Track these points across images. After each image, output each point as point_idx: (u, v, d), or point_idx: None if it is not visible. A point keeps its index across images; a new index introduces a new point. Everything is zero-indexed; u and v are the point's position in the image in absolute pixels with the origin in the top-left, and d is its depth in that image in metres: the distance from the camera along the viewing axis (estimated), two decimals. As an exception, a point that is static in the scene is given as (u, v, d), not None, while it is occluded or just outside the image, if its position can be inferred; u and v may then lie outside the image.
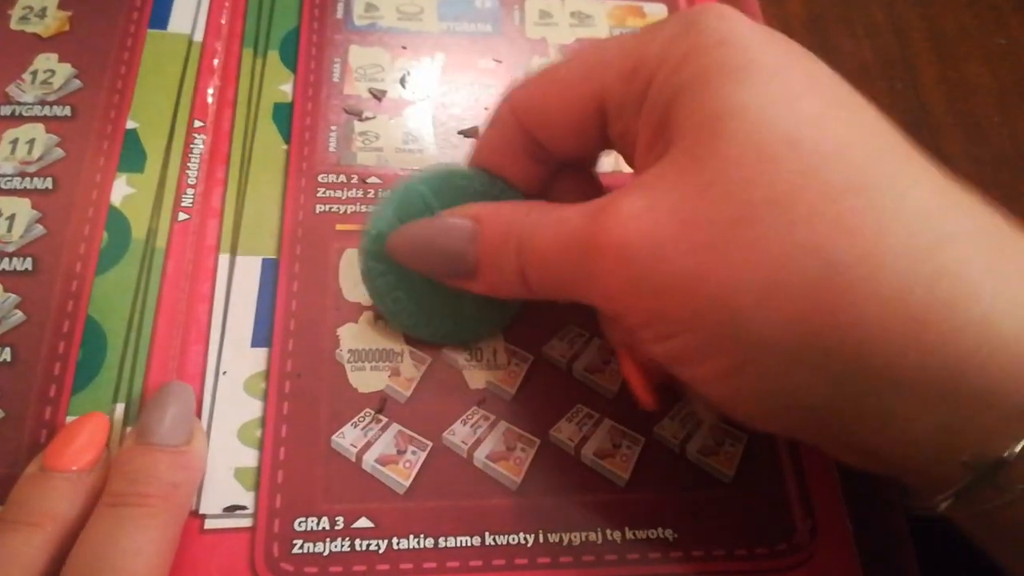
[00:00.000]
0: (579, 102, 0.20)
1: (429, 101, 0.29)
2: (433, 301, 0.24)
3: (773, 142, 0.16)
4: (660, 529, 0.22)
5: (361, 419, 0.23)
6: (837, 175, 0.15)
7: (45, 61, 0.28)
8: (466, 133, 0.28)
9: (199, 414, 0.23)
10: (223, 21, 0.30)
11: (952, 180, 0.16)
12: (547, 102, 0.21)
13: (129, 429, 0.22)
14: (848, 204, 0.15)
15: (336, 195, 0.27)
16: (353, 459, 0.23)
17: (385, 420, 0.23)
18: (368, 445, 0.23)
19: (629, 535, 0.22)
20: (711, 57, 0.17)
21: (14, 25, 0.29)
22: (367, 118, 0.28)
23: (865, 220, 0.15)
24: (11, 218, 0.25)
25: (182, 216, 0.26)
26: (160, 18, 0.29)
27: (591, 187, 0.24)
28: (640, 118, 0.19)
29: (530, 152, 0.22)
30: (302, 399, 0.23)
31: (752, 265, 0.16)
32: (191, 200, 0.26)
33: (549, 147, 0.22)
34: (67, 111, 0.27)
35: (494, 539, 0.22)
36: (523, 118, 0.21)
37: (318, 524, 0.22)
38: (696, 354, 0.17)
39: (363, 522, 0.22)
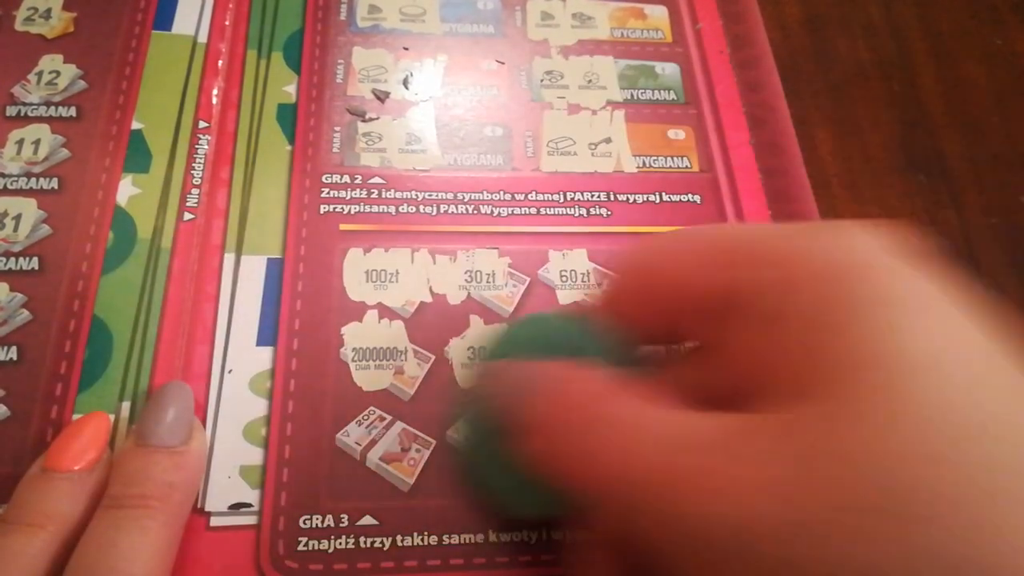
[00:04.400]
0: (704, 274, 0.17)
1: (432, 102, 0.29)
2: (491, 447, 0.20)
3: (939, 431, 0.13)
4: (662, 526, 0.23)
5: (365, 417, 0.23)
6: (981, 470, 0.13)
7: (50, 62, 0.28)
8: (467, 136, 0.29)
9: (205, 413, 0.23)
10: (227, 23, 0.30)
11: None
12: (672, 262, 0.18)
13: (132, 428, 0.22)
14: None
15: (340, 195, 0.27)
16: (357, 457, 0.23)
17: (389, 418, 0.23)
18: (372, 443, 0.23)
19: (631, 532, 0.22)
20: (861, 288, 0.15)
21: (19, 26, 0.29)
22: (370, 119, 0.29)
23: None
24: (17, 218, 0.25)
25: (187, 216, 0.26)
26: (164, 19, 0.30)
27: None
28: (770, 325, 0.16)
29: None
30: (307, 398, 0.23)
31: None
32: (196, 200, 0.26)
33: (648, 313, 0.19)
34: (72, 112, 0.27)
35: (498, 536, 0.22)
36: (642, 272, 0.19)
37: (323, 522, 0.22)
38: None
39: (367, 520, 0.22)
